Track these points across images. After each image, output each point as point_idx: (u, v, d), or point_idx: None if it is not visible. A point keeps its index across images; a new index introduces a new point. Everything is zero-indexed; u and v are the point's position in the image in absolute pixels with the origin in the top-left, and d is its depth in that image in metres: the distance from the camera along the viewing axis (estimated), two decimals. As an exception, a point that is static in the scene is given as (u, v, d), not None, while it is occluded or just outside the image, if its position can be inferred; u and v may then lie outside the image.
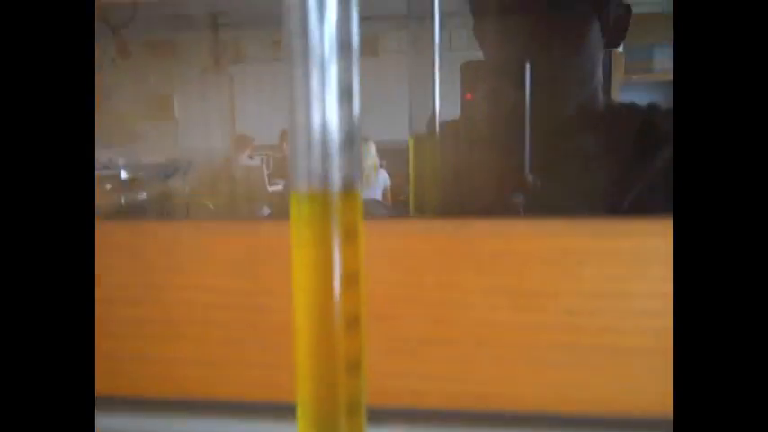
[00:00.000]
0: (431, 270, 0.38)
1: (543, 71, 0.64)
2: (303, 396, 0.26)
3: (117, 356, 0.41)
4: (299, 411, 0.27)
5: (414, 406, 0.39)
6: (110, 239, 0.41)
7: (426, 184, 0.56)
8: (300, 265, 0.26)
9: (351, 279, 0.26)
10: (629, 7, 0.67)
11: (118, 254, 0.41)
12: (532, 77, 0.62)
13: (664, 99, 0.69)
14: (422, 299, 0.38)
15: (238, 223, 0.40)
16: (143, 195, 0.63)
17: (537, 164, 0.63)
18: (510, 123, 0.62)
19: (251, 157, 1.25)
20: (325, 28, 0.23)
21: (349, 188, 0.25)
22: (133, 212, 0.60)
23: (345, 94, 0.24)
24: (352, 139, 0.25)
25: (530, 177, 0.63)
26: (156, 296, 0.41)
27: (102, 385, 0.42)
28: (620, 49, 0.74)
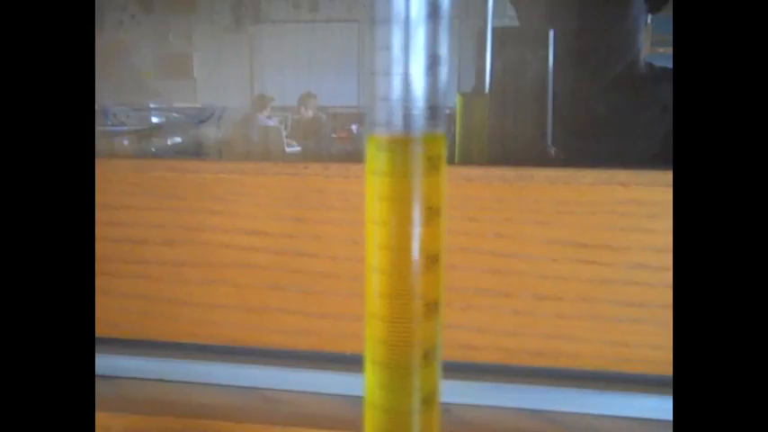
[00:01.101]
0: (489, 218, 0.36)
1: (585, 36, 0.61)
2: (374, 338, 0.24)
3: (152, 299, 0.39)
4: (368, 354, 0.25)
5: (465, 360, 0.37)
6: (147, 177, 0.39)
7: (473, 140, 0.54)
8: (376, 198, 0.24)
9: (432, 214, 0.24)
10: None
11: (155, 192, 0.39)
12: (575, 44, 0.59)
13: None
14: (478, 248, 0.36)
15: (282, 164, 0.38)
16: (176, 140, 0.61)
17: (573, 131, 0.60)
18: (537, 92, 0.59)
19: (269, 118, 1.23)
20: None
21: (433, 126, 0.23)
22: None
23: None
24: (436, 62, 0.22)
25: (552, 150, 0.60)
26: (193, 238, 0.38)
27: (136, 328, 0.40)
28: (648, 20, 0.72)
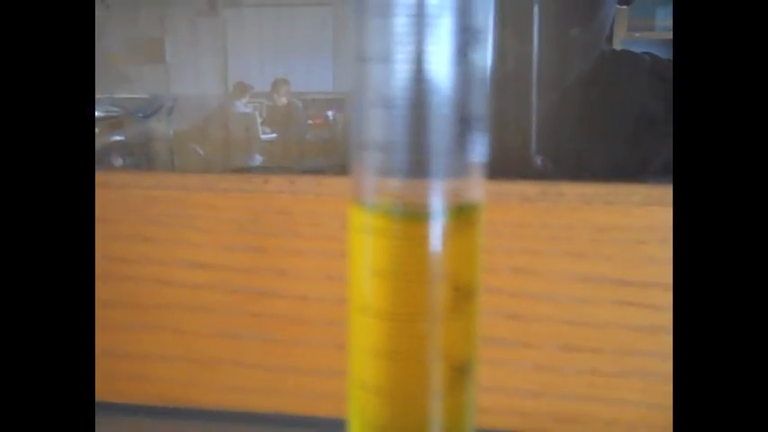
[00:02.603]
0: (505, 249, 0.28)
1: (555, 30, 0.52)
2: (365, 418, 0.16)
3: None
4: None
5: (475, 426, 0.29)
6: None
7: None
8: (369, 272, 0.16)
9: (462, 298, 0.16)
10: None
11: (73, 213, 0.30)
12: (542, 38, 0.50)
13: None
14: (491, 287, 0.28)
15: (238, 177, 0.29)
16: (119, 137, 0.52)
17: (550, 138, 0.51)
18: (515, 93, 0.50)
19: (246, 105, 1.18)
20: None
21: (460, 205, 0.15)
22: (104, 159, 0.49)
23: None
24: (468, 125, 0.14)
25: (538, 160, 0.51)
26: (121, 272, 0.30)
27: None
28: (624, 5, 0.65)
